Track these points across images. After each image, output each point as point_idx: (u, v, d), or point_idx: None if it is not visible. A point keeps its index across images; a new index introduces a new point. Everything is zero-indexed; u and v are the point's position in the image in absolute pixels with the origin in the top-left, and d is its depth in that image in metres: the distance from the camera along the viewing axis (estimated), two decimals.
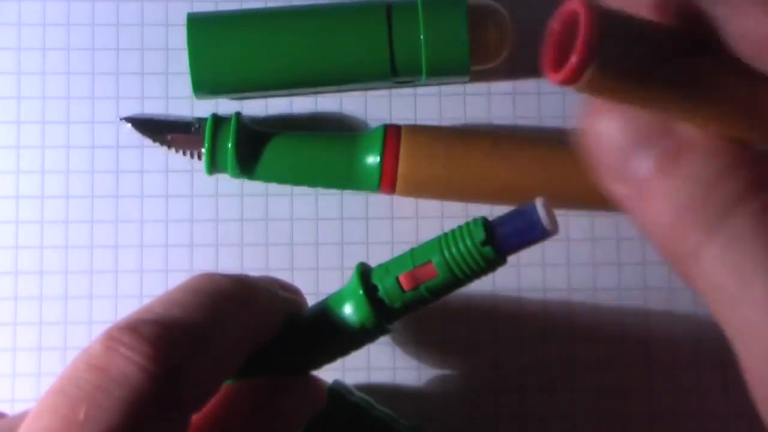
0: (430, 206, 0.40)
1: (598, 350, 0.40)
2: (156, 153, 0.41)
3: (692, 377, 0.40)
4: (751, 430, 0.40)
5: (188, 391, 0.24)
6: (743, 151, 0.19)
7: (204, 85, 0.39)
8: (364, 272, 0.27)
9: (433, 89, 0.41)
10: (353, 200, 0.41)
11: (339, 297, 0.27)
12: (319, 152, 0.39)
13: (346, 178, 0.39)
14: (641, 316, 0.40)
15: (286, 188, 0.40)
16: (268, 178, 0.39)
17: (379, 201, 0.40)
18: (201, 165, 0.40)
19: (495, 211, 0.40)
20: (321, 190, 0.40)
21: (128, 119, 0.40)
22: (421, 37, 0.38)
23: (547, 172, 0.38)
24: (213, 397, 0.26)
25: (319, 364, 0.29)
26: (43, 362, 0.39)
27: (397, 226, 0.40)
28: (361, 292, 0.26)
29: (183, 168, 0.41)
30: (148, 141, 0.40)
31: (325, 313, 0.27)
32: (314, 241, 0.40)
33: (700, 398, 0.40)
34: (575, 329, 0.40)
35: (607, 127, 0.20)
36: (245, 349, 0.26)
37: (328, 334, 0.27)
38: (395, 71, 0.39)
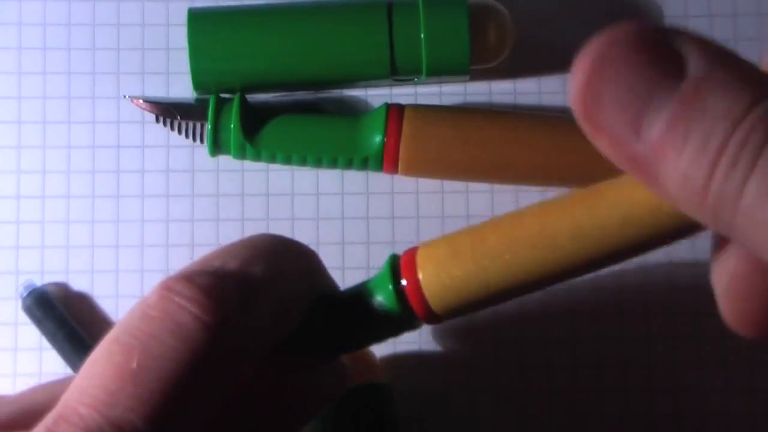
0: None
1: (598, 350, 0.40)
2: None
3: (693, 377, 0.40)
4: (751, 430, 0.40)
5: (242, 343, 0.24)
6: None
7: (204, 81, 0.39)
8: (396, 265, 0.27)
9: (434, 88, 0.41)
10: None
11: (369, 287, 0.27)
12: (321, 133, 0.39)
13: (348, 159, 0.39)
14: (641, 316, 0.40)
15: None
16: (270, 159, 0.39)
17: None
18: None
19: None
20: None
21: (135, 97, 0.40)
22: (422, 35, 0.38)
23: (550, 148, 0.38)
24: (267, 353, 0.25)
25: (339, 352, 0.28)
26: (43, 362, 0.40)
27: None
28: (390, 287, 0.26)
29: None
30: (149, 123, 0.40)
31: (353, 302, 0.27)
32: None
33: (700, 398, 0.40)
34: (576, 329, 0.40)
35: (605, 104, 0.19)
36: (300, 308, 0.26)
37: (353, 322, 0.27)
38: (395, 69, 0.39)
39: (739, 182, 0.17)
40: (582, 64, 0.19)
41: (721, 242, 0.22)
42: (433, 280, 0.25)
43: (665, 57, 0.18)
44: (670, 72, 0.18)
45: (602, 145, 0.19)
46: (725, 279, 0.22)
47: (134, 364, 0.22)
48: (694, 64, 0.18)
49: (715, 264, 0.22)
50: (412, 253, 0.25)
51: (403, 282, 0.25)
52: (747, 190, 0.17)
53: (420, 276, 0.25)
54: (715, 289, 0.22)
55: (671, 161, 0.18)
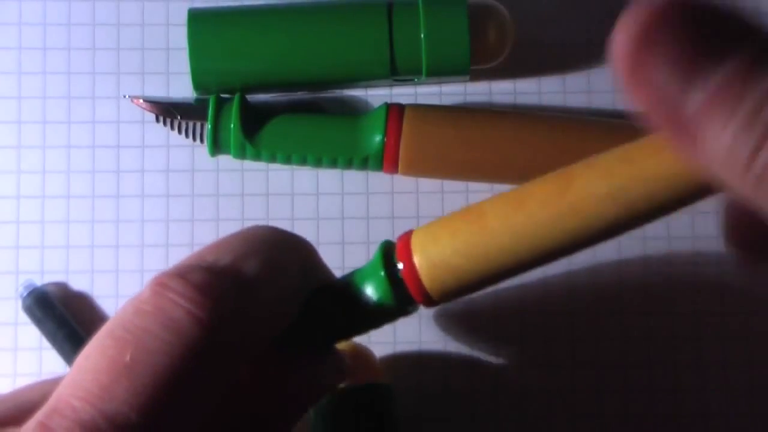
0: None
1: (598, 350, 0.40)
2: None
3: (693, 377, 0.40)
4: (751, 430, 0.40)
5: (237, 338, 0.24)
6: None
7: (204, 81, 0.39)
8: (388, 252, 0.27)
9: (434, 89, 0.41)
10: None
11: (361, 275, 0.27)
12: (321, 133, 0.39)
13: (348, 159, 0.39)
14: (641, 316, 0.40)
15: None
16: (270, 159, 0.39)
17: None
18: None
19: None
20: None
21: (136, 97, 0.40)
22: (422, 36, 0.38)
23: (550, 148, 0.38)
24: (264, 348, 0.25)
25: (336, 340, 0.28)
26: (43, 362, 0.40)
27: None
28: (382, 273, 0.26)
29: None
30: (149, 123, 0.41)
31: (346, 290, 0.27)
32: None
33: (700, 398, 0.40)
34: (575, 328, 0.40)
35: (659, 55, 0.18)
36: (296, 302, 0.26)
37: (347, 311, 0.27)
38: (395, 70, 0.39)
39: None
40: (640, 10, 0.18)
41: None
42: (428, 261, 0.25)
43: (730, 24, 0.18)
44: (732, 39, 0.18)
45: (643, 101, 0.19)
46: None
47: (127, 358, 0.22)
48: (753, 39, 0.18)
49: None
50: (407, 237, 0.25)
51: (399, 265, 0.25)
52: None
53: (416, 259, 0.25)
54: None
55: (716, 128, 0.17)
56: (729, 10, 0.18)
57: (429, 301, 0.25)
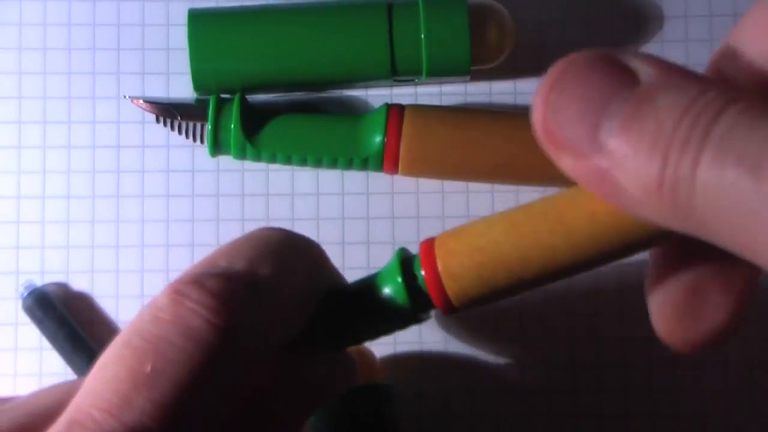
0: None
1: (598, 350, 0.40)
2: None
3: (693, 377, 0.40)
4: (751, 430, 0.40)
5: (253, 344, 0.24)
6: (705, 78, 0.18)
7: (204, 81, 0.39)
8: (405, 260, 0.27)
9: (434, 89, 0.41)
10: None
11: (376, 281, 0.27)
12: (321, 133, 0.39)
13: (348, 159, 0.39)
14: (641, 316, 0.40)
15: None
16: (270, 159, 0.39)
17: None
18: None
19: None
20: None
21: (136, 98, 0.40)
22: (422, 36, 0.38)
23: None
24: (277, 351, 0.25)
25: (348, 344, 0.28)
26: (44, 362, 0.40)
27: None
28: (399, 280, 0.26)
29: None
30: (149, 123, 0.41)
31: (361, 295, 0.27)
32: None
33: (700, 398, 0.40)
34: (576, 329, 0.40)
35: (564, 118, 0.20)
36: (309, 305, 0.26)
37: (361, 316, 0.27)
38: (395, 70, 0.39)
39: (693, 158, 0.17)
40: (542, 86, 0.20)
41: (657, 271, 0.24)
42: (452, 270, 0.25)
43: (618, 70, 0.19)
44: (624, 83, 0.19)
45: (565, 162, 0.20)
46: (662, 304, 0.24)
47: (148, 368, 0.22)
48: (645, 73, 0.19)
49: (651, 289, 0.24)
50: (429, 243, 0.25)
51: (421, 272, 0.25)
52: (702, 161, 0.17)
53: (440, 267, 0.25)
54: (651, 311, 0.24)
55: (629, 164, 0.18)
56: (625, 55, 0.19)
57: (450, 309, 0.25)
